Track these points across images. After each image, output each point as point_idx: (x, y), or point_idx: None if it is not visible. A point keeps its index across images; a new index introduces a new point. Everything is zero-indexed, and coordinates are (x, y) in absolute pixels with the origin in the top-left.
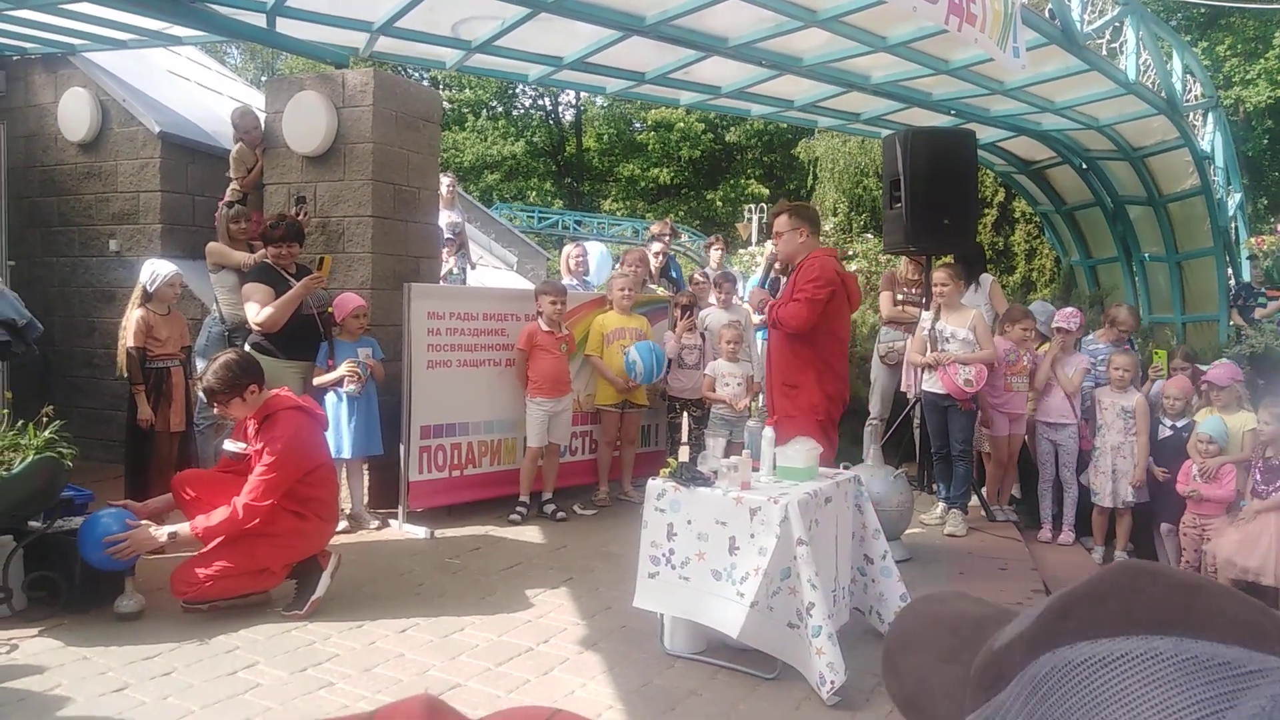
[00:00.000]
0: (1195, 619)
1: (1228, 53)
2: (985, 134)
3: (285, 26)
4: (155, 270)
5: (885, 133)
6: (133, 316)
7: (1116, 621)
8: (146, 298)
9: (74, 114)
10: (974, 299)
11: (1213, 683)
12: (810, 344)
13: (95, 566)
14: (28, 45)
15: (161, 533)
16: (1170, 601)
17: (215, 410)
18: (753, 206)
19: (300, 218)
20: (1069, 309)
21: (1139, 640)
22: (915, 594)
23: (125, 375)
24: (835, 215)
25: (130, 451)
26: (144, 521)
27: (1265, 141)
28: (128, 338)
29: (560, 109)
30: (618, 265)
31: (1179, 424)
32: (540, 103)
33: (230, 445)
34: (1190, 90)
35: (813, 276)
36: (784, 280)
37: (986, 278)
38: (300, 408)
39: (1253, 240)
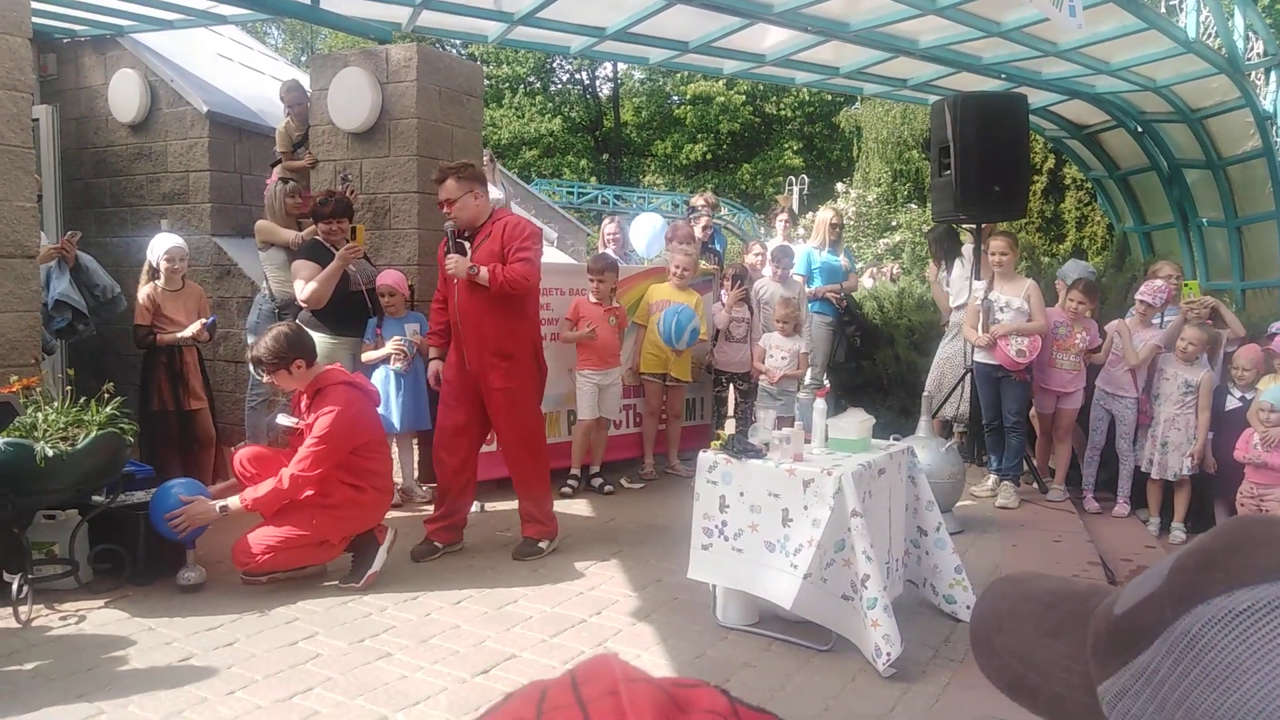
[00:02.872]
0: None
1: None
2: (1036, 98)
3: (329, 2)
4: (155, 246)
5: (933, 99)
6: (140, 294)
7: (1274, 567)
8: (154, 274)
9: (124, 95)
10: (960, 274)
11: None
12: (522, 309)
13: (166, 537)
14: (77, 27)
15: (215, 506)
16: None
17: (265, 379)
18: (793, 178)
19: (348, 194)
20: (1158, 283)
21: None
22: (969, 566)
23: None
24: (879, 186)
25: (142, 430)
26: (199, 497)
27: None
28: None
29: (598, 83)
30: (667, 240)
31: (1249, 395)
32: (577, 77)
33: (284, 419)
34: (1252, 48)
35: (525, 234)
36: (467, 245)
37: (968, 248)
38: (351, 383)
39: None
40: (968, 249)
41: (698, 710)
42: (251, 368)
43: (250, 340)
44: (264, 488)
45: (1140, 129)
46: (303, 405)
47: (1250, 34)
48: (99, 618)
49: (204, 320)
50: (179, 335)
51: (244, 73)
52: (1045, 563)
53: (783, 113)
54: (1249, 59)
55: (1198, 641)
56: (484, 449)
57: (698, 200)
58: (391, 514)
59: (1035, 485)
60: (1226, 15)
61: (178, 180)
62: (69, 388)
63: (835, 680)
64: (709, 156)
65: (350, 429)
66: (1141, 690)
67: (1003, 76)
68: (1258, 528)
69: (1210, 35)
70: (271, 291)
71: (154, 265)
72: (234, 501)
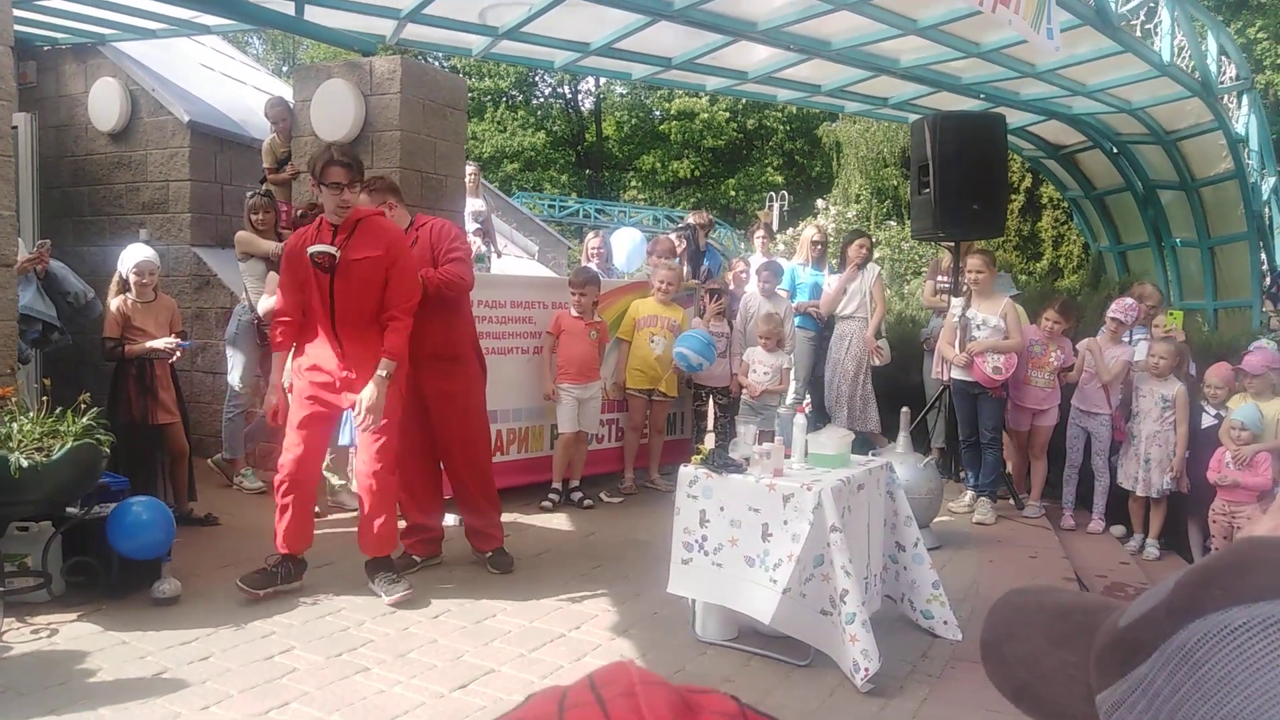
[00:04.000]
0: None
1: (1259, 35)
2: (1014, 118)
3: (313, 14)
4: (126, 258)
5: (913, 117)
6: (110, 305)
7: (1272, 586)
8: (124, 286)
9: (104, 104)
10: (857, 287)
11: None
12: (459, 309)
13: (125, 556)
14: (58, 35)
15: (374, 389)
16: None
17: (344, 195)
18: (773, 194)
19: None
20: (1128, 300)
21: None
22: (947, 582)
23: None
24: (858, 202)
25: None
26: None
27: None
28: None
29: (580, 97)
30: (648, 254)
31: (1223, 413)
32: (560, 91)
33: (319, 247)
34: (1225, 71)
35: (453, 235)
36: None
37: (873, 267)
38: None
39: None
40: (872, 268)
41: (709, 712)
42: (229, 376)
43: (229, 353)
44: (392, 333)
45: (1116, 150)
46: (333, 237)
47: (1223, 58)
48: (71, 631)
49: (180, 342)
50: (149, 345)
51: (226, 82)
52: (1021, 578)
53: (767, 124)
54: (1222, 82)
55: (1193, 655)
56: None
57: (692, 219)
58: None
59: (1012, 501)
60: (1200, 39)
61: (157, 190)
62: (45, 398)
63: (814, 695)
64: (696, 173)
65: None
66: (1137, 701)
67: (981, 96)
68: (1263, 549)
69: (1184, 59)
70: (251, 302)
71: (124, 277)
72: (383, 366)
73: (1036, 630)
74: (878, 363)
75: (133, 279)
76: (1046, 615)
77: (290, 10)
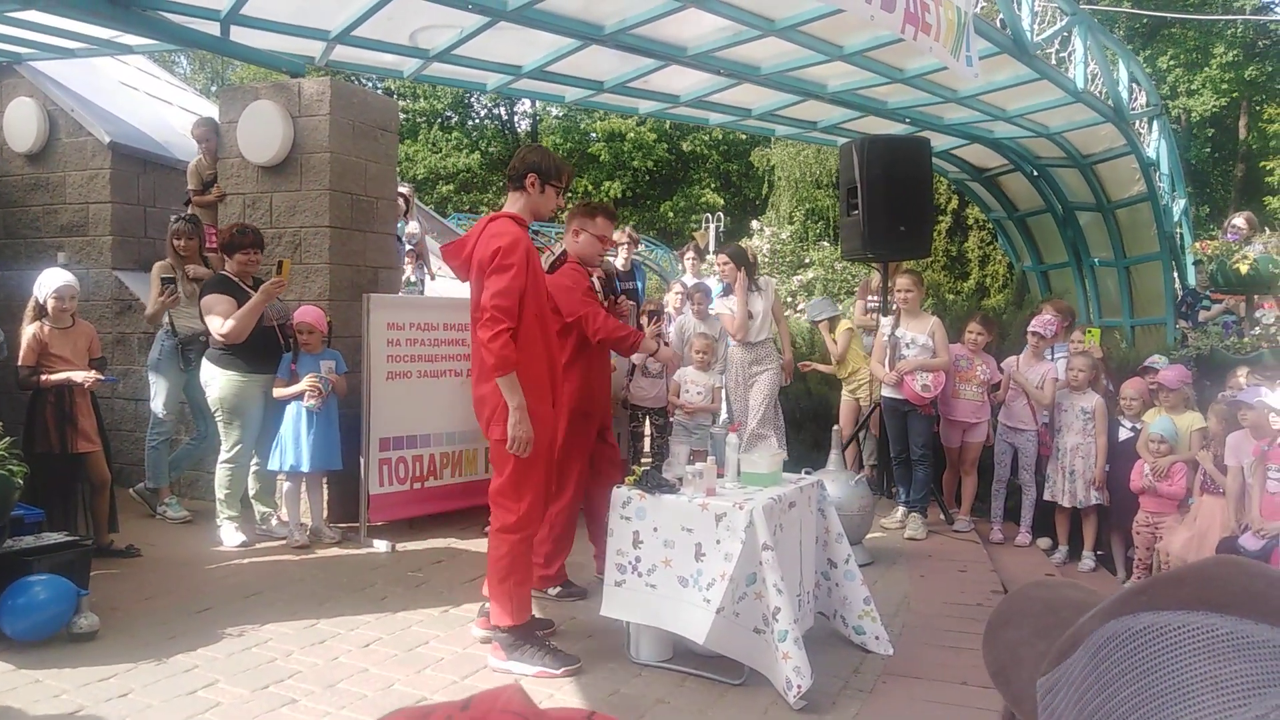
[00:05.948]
0: (1265, 607)
1: (1170, 64)
2: (939, 142)
3: (239, 35)
4: (43, 282)
5: (841, 141)
6: (26, 332)
7: (1185, 599)
8: (41, 312)
9: (20, 124)
10: (757, 302)
11: (1261, 660)
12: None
13: (12, 638)
14: None
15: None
16: (1246, 588)
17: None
18: (709, 215)
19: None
20: (1046, 316)
21: (1199, 615)
22: (878, 597)
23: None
24: (791, 224)
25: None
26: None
27: (1207, 150)
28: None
29: (516, 119)
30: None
31: (1138, 425)
32: (495, 112)
33: None
34: (1136, 98)
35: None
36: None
37: (769, 281)
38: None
39: (1197, 245)
40: (767, 283)
41: None
42: (153, 403)
43: (151, 378)
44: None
45: (1036, 173)
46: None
47: (1134, 85)
48: None
49: (101, 377)
50: (70, 375)
51: (150, 102)
52: (951, 592)
53: (697, 150)
54: (1133, 109)
55: (1100, 651)
56: (392, 488)
57: (619, 236)
58: (300, 556)
59: (943, 516)
60: (1112, 66)
61: (77, 212)
62: None
63: (748, 714)
64: (628, 194)
65: None
66: (1062, 688)
67: (907, 121)
68: (1210, 566)
69: (1097, 86)
70: (174, 327)
71: (41, 303)
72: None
73: (1028, 620)
74: (787, 383)
75: (51, 304)
76: (1042, 608)
77: (215, 31)
